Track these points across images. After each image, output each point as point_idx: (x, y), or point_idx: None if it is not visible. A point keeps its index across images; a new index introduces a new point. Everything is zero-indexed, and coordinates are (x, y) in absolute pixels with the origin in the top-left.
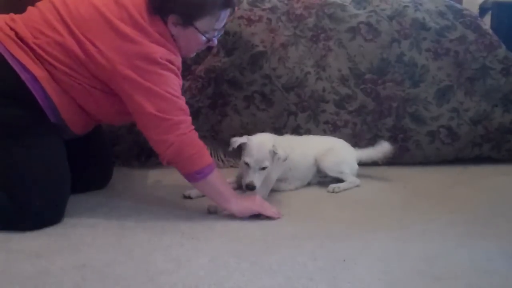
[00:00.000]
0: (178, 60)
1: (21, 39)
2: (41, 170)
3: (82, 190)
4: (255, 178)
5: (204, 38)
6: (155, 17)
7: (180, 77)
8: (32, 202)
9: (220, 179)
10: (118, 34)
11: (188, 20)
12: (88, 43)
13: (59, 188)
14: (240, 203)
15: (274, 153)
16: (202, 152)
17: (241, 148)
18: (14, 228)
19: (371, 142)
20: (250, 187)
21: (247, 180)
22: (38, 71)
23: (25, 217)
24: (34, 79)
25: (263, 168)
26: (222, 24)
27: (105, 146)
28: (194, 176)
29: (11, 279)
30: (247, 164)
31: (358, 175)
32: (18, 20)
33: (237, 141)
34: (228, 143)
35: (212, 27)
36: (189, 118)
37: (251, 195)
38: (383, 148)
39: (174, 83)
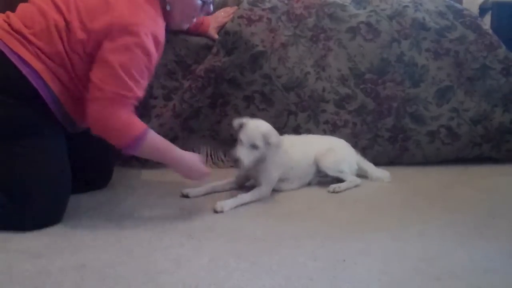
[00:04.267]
0: (162, 34)
1: (16, 31)
2: (42, 171)
3: (82, 190)
4: (244, 154)
5: (199, 1)
6: None
7: (158, 50)
8: (32, 202)
9: (156, 141)
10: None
11: None
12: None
13: (60, 189)
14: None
15: (267, 137)
16: (128, 126)
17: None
18: (14, 228)
19: (371, 142)
20: (237, 161)
21: (235, 154)
22: (38, 64)
23: (25, 217)
24: (35, 72)
25: (255, 148)
26: None
27: (105, 146)
28: (129, 147)
29: (11, 279)
30: (240, 141)
31: (358, 175)
32: (12, 15)
33: (238, 121)
34: (228, 143)
35: None
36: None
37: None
38: (382, 174)
39: (140, 64)
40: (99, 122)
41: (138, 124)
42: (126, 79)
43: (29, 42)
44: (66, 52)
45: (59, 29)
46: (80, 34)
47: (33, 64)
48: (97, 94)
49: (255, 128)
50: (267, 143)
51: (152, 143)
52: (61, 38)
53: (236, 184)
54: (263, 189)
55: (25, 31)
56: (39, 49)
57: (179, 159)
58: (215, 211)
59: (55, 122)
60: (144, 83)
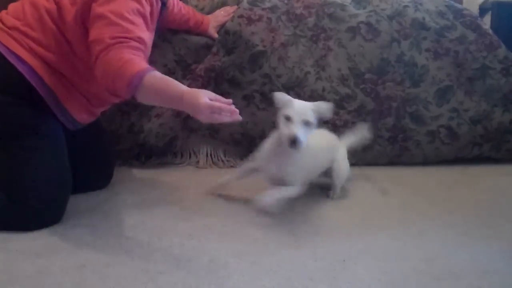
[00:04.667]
0: None
1: (10, 28)
2: (42, 171)
3: (83, 190)
4: (300, 131)
5: None
6: None
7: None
8: (32, 203)
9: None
10: None
11: None
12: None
13: (60, 189)
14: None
15: (320, 111)
16: (129, 63)
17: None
18: (14, 228)
19: (371, 141)
20: (294, 141)
21: (289, 132)
22: (33, 61)
23: (25, 217)
24: (31, 69)
25: (307, 124)
26: None
27: (106, 146)
28: (131, 84)
29: (11, 279)
30: (287, 117)
31: (358, 175)
32: (3, 14)
33: (282, 96)
34: (228, 143)
35: None
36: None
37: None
38: (362, 130)
39: (132, 6)
40: (105, 72)
41: (141, 62)
42: (121, 21)
43: (24, 35)
44: (62, 34)
45: (52, 14)
46: (71, 9)
47: (28, 61)
48: (98, 49)
49: (303, 103)
50: (319, 118)
51: (155, 80)
52: (55, 24)
53: (243, 176)
54: (294, 178)
55: (18, 24)
56: (34, 41)
57: (183, 93)
58: (258, 208)
59: (54, 121)
60: (142, 26)
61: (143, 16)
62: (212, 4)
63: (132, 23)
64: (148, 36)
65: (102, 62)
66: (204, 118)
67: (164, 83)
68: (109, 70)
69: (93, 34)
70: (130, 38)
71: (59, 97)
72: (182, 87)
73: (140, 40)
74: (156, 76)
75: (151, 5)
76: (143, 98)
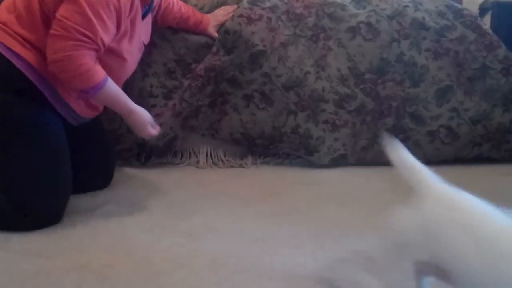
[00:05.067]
0: None
1: (4, 23)
2: (42, 171)
3: (83, 191)
4: None
5: None
6: None
7: None
8: (32, 202)
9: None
10: None
11: None
12: None
13: (60, 189)
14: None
15: None
16: (90, 72)
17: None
18: (14, 228)
19: (371, 141)
20: None
21: None
22: (29, 55)
23: (25, 217)
24: (28, 64)
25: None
26: None
27: (107, 146)
28: (87, 93)
29: (11, 279)
30: None
31: (357, 175)
32: None
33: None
34: (228, 142)
35: None
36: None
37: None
38: None
39: (109, 3)
40: (61, 62)
41: (100, 72)
42: (93, 18)
43: (17, 27)
44: (47, 16)
45: None
46: None
47: (24, 55)
48: (61, 32)
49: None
50: None
51: (110, 92)
52: (41, 7)
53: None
54: None
55: (11, 17)
56: (26, 32)
57: (132, 111)
58: None
59: (56, 120)
60: (111, 27)
61: (117, 11)
62: (212, 3)
63: (103, 22)
64: (112, 36)
65: (60, 52)
66: (141, 135)
67: (117, 96)
68: (67, 67)
69: (62, 14)
70: (94, 41)
71: (58, 90)
72: (131, 105)
73: (102, 42)
74: (112, 89)
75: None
76: (95, 102)
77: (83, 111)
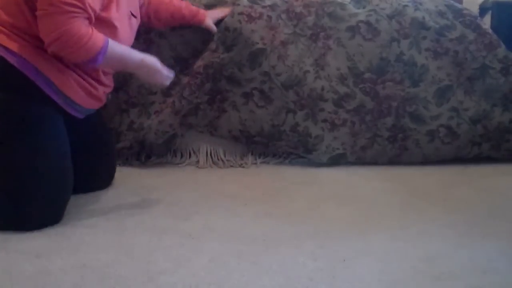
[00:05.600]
0: None
1: None
2: (42, 170)
3: (84, 191)
4: None
5: None
6: None
7: None
8: (32, 202)
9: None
10: None
11: None
12: None
13: (60, 188)
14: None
15: None
16: (90, 40)
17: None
18: (14, 228)
19: (370, 141)
20: None
21: None
22: (21, 49)
23: (25, 217)
24: (22, 59)
25: None
26: None
27: (108, 147)
28: (92, 60)
29: (11, 279)
30: None
31: (358, 175)
32: None
33: None
34: (226, 139)
35: None
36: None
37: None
38: None
39: None
40: (60, 40)
41: (99, 36)
42: None
43: (5, 20)
44: (35, 6)
45: None
46: None
47: (16, 50)
48: (49, 9)
49: None
50: None
51: (115, 50)
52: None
53: None
54: None
55: (2, 13)
56: (15, 23)
57: (142, 60)
58: None
59: (58, 119)
60: None
61: None
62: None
63: None
64: (99, 1)
65: (54, 28)
66: (157, 79)
67: (122, 51)
68: (66, 43)
69: None
70: (83, 9)
71: (55, 82)
72: (139, 54)
73: (91, 9)
74: (115, 47)
75: None
76: (103, 66)
77: (85, 102)
